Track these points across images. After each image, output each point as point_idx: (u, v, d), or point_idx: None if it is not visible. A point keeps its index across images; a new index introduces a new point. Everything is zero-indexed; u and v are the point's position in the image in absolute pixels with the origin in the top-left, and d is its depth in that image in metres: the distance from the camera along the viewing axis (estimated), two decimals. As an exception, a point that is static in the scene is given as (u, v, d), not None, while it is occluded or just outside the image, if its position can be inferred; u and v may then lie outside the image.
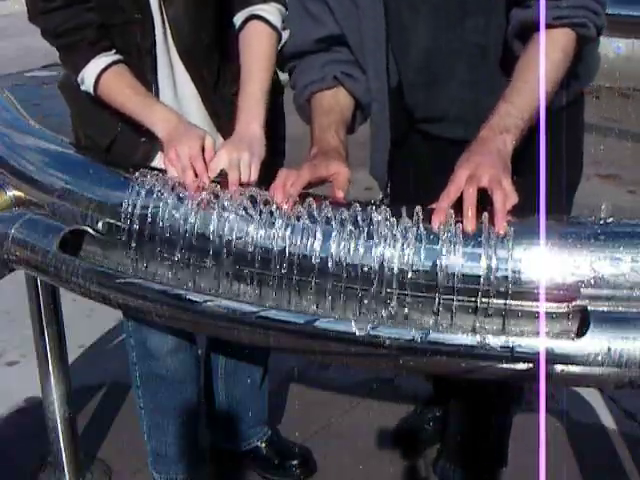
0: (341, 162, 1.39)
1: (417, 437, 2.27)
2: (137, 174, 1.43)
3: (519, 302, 1.17)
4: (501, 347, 1.14)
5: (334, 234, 1.23)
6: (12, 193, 1.61)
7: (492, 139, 1.28)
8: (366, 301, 1.22)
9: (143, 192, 1.40)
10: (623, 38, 4.65)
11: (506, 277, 1.16)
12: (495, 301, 1.17)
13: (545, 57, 1.33)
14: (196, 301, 1.33)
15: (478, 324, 1.18)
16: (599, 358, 1.10)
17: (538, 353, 1.11)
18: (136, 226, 1.39)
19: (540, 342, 1.12)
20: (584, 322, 1.13)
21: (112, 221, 1.44)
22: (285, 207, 1.28)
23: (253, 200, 1.32)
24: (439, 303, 1.19)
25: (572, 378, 1.17)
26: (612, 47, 4.95)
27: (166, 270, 1.39)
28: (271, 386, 2.22)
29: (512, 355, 1.13)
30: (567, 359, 1.12)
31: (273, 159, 1.56)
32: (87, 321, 2.85)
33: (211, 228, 1.32)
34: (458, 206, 1.21)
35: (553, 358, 1.12)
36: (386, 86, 1.56)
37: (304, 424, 2.38)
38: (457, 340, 1.16)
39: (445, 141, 1.60)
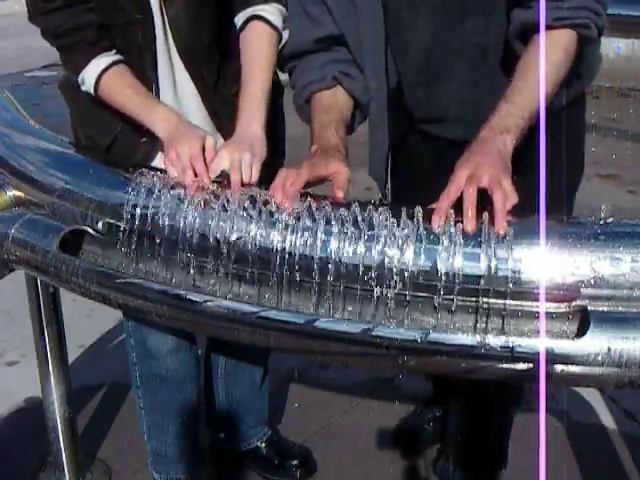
0: (341, 161, 1.38)
1: (417, 437, 2.27)
2: (137, 174, 1.43)
3: (519, 302, 1.17)
4: (501, 347, 1.14)
5: (334, 234, 1.23)
6: (12, 193, 1.61)
7: (492, 139, 1.28)
8: (366, 301, 1.22)
9: (143, 192, 1.40)
10: (623, 38, 4.65)
11: (506, 277, 1.16)
12: (495, 301, 1.17)
13: (546, 58, 1.33)
14: (196, 301, 1.33)
15: (478, 324, 1.18)
16: (599, 358, 1.10)
17: (538, 353, 1.11)
18: (136, 226, 1.39)
19: (540, 342, 1.12)
20: (584, 322, 1.13)
21: (112, 221, 1.44)
22: (285, 206, 1.28)
23: (253, 200, 1.32)
24: (439, 303, 1.19)
25: (572, 378, 1.17)
26: (612, 47, 4.95)
27: (166, 270, 1.39)
28: (271, 386, 2.22)
29: (512, 355, 1.13)
30: (567, 359, 1.12)
31: (273, 159, 1.56)
32: (87, 321, 2.86)
33: (211, 228, 1.32)
34: (458, 206, 1.21)
35: (553, 358, 1.12)
36: (385, 86, 1.56)
37: (304, 424, 2.38)
38: (457, 340, 1.16)
39: (445, 141, 1.60)
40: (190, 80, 1.71)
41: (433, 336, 1.17)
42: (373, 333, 1.18)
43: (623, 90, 5.32)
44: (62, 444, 2.05)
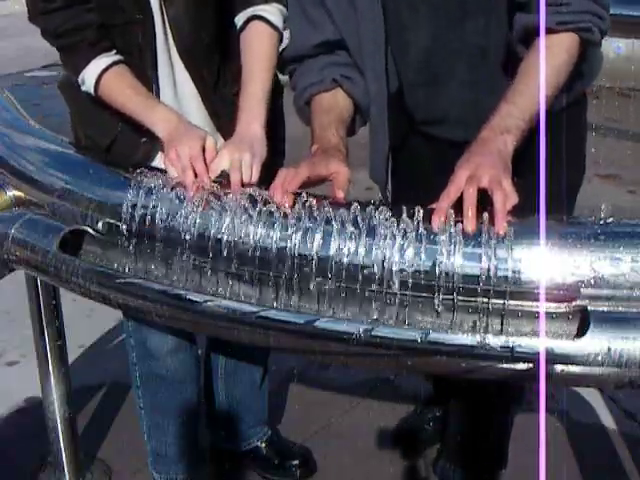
0: (341, 161, 1.38)
1: (417, 437, 2.27)
2: (137, 174, 1.43)
3: (519, 302, 1.17)
4: (501, 347, 1.14)
5: (334, 234, 1.23)
6: (12, 193, 1.61)
7: (493, 140, 1.28)
8: (366, 301, 1.22)
9: (143, 192, 1.40)
10: (623, 38, 4.64)
11: (506, 277, 1.16)
12: (495, 301, 1.17)
13: (548, 61, 1.32)
14: (196, 301, 1.33)
15: (478, 324, 1.18)
16: (599, 358, 1.10)
17: (538, 353, 1.11)
18: (136, 226, 1.39)
19: (540, 342, 1.12)
20: (584, 322, 1.13)
21: (112, 221, 1.44)
22: (284, 205, 1.28)
23: (253, 200, 1.32)
24: (439, 303, 1.19)
25: (572, 378, 1.17)
26: (612, 47, 4.95)
27: (166, 270, 1.39)
28: (271, 386, 2.22)
29: (512, 355, 1.13)
30: (567, 359, 1.12)
31: (273, 159, 1.56)
32: (87, 321, 2.86)
33: (211, 228, 1.33)
34: (458, 206, 1.21)
35: (553, 358, 1.12)
36: (385, 89, 1.56)
37: (304, 424, 2.38)
38: (457, 340, 1.16)
39: (445, 142, 1.60)
40: (190, 80, 1.71)
41: (433, 336, 1.17)
42: (373, 333, 1.18)
43: (623, 90, 5.32)
44: (62, 444, 2.05)
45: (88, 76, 1.61)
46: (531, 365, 1.13)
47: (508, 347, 1.13)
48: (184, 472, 2.05)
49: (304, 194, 1.31)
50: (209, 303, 1.31)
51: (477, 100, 1.53)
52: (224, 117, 1.70)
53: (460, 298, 1.18)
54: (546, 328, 1.15)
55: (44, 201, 1.55)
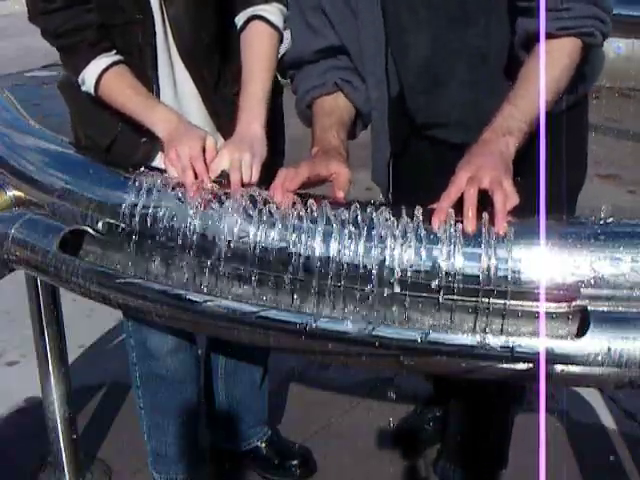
0: (341, 162, 1.39)
1: (417, 437, 2.27)
2: (137, 174, 1.43)
3: (519, 302, 1.17)
4: (501, 347, 1.14)
5: (334, 234, 1.23)
6: (12, 193, 1.61)
7: (494, 141, 1.28)
8: (366, 301, 1.22)
9: (143, 192, 1.40)
10: (623, 38, 4.65)
11: (506, 277, 1.16)
12: (495, 301, 1.17)
13: (549, 65, 1.33)
14: (196, 301, 1.33)
15: (478, 324, 1.18)
16: (599, 358, 1.10)
17: (538, 353, 1.11)
18: (136, 226, 1.39)
19: (540, 342, 1.12)
20: (584, 322, 1.13)
21: (112, 221, 1.44)
22: (284, 205, 1.28)
23: (253, 200, 1.32)
24: (439, 303, 1.19)
25: (572, 378, 1.17)
26: (612, 47, 4.95)
27: (166, 270, 1.39)
28: (271, 386, 2.22)
29: (512, 355, 1.13)
30: (567, 359, 1.12)
31: (273, 159, 1.56)
32: (87, 321, 2.86)
33: (211, 228, 1.32)
34: (458, 206, 1.21)
35: (553, 358, 1.12)
36: (386, 94, 1.56)
37: (304, 424, 2.38)
38: (457, 340, 1.16)
39: (446, 145, 1.60)
40: (190, 80, 1.71)
41: (433, 336, 1.17)
42: (373, 333, 1.18)
43: (623, 90, 5.32)
44: (62, 444, 2.06)
45: (88, 76, 1.61)
46: (531, 365, 1.13)
47: (508, 347, 1.13)
48: (184, 472, 2.05)
49: (304, 194, 1.31)
50: (209, 303, 1.31)
51: (477, 102, 1.52)
52: (224, 117, 1.70)
53: (460, 298, 1.18)
54: (546, 328, 1.14)
55: (44, 201, 1.55)
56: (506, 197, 1.19)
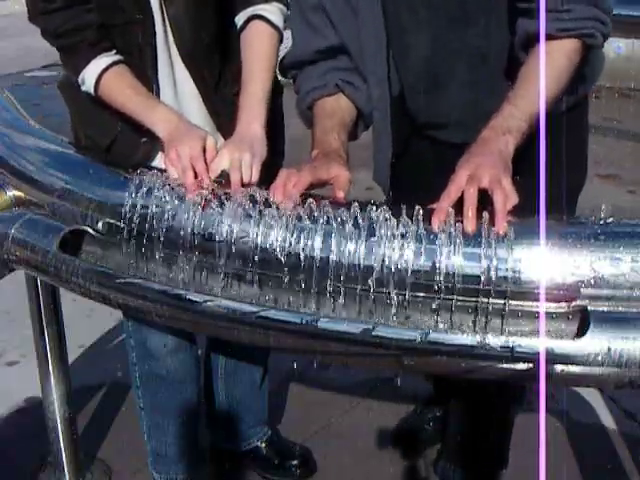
0: (342, 165, 1.39)
1: (417, 437, 2.27)
2: (137, 174, 1.43)
3: (519, 302, 1.17)
4: (501, 347, 1.14)
5: (334, 234, 1.23)
6: (12, 193, 1.61)
7: (494, 140, 1.29)
8: (366, 301, 1.22)
9: (143, 192, 1.40)
10: (623, 38, 4.64)
11: (506, 277, 1.16)
12: (495, 301, 1.17)
13: (550, 65, 1.33)
14: (196, 301, 1.33)
15: (478, 324, 1.18)
16: (599, 358, 1.10)
17: (538, 353, 1.11)
18: (136, 226, 1.39)
19: (540, 342, 1.12)
20: (584, 322, 1.13)
21: (112, 221, 1.44)
22: (286, 207, 1.28)
23: (253, 200, 1.32)
24: (439, 303, 1.19)
25: (572, 378, 1.17)
26: (612, 47, 4.94)
27: (166, 270, 1.39)
28: (271, 386, 2.22)
29: (512, 355, 1.13)
30: (567, 359, 1.12)
31: (273, 159, 1.56)
32: (87, 321, 2.86)
33: (211, 228, 1.32)
34: (458, 206, 1.21)
35: (553, 358, 1.12)
36: (387, 94, 1.56)
37: (304, 424, 2.38)
38: (457, 340, 1.16)
39: (447, 145, 1.60)
40: (190, 80, 1.71)
41: (433, 336, 1.17)
42: (373, 333, 1.18)
43: (623, 90, 5.32)
44: (62, 444, 2.06)
45: (88, 76, 1.61)
46: (531, 365, 1.13)
47: (508, 347, 1.13)
48: (184, 472, 2.05)
49: (304, 194, 1.31)
50: (209, 303, 1.31)
51: (477, 102, 1.52)
52: (224, 117, 1.70)
53: (460, 298, 1.18)
54: (546, 328, 1.15)
55: (44, 201, 1.55)
56: (506, 197, 1.19)
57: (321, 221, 1.24)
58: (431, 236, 1.19)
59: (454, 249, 1.17)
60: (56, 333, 1.96)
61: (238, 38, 1.67)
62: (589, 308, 1.14)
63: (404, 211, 1.22)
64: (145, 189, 1.40)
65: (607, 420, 2.37)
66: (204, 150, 1.46)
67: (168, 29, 1.65)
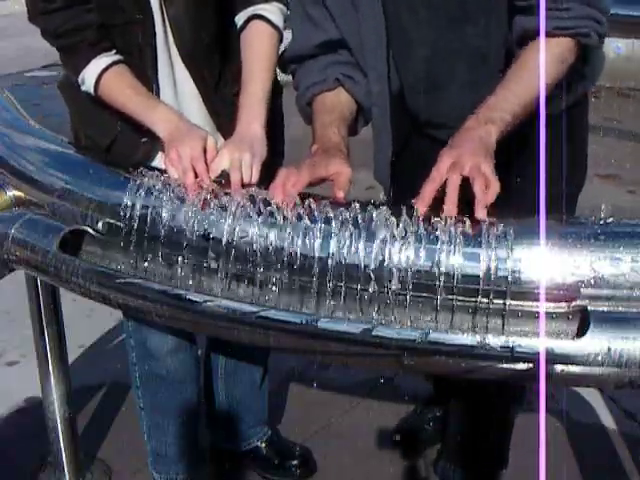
0: (342, 160, 1.38)
1: (417, 437, 2.27)
2: (137, 174, 1.43)
3: (519, 302, 1.17)
4: (501, 347, 1.14)
5: (334, 234, 1.23)
6: (12, 193, 1.61)
7: (476, 128, 1.30)
8: (366, 301, 1.22)
9: (143, 192, 1.40)
10: (623, 38, 4.64)
11: (506, 277, 1.16)
12: (495, 301, 1.17)
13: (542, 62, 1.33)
14: (196, 301, 1.33)
15: (478, 324, 1.18)
16: (599, 358, 1.10)
17: (538, 353, 1.11)
18: (136, 226, 1.39)
19: (540, 342, 1.12)
20: (584, 322, 1.13)
21: (112, 221, 1.44)
22: (285, 207, 1.28)
23: (253, 200, 1.32)
24: (439, 303, 1.19)
25: (572, 378, 1.17)
26: (612, 47, 4.94)
27: (166, 270, 1.39)
28: (271, 386, 2.22)
29: (512, 355, 1.13)
30: (567, 359, 1.12)
31: (272, 159, 1.56)
32: (87, 321, 2.86)
33: (211, 228, 1.32)
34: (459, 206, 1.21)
35: (553, 358, 1.12)
36: (387, 90, 1.56)
37: (304, 424, 2.38)
38: (457, 340, 1.16)
39: (446, 144, 1.59)
40: (190, 80, 1.71)
41: (433, 336, 1.17)
42: (373, 333, 1.18)
43: (623, 90, 5.31)
44: (62, 444, 2.05)
45: (88, 76, 1.61)
46: (531, 365, 1.13)
47: (508, 347, 1.13)
48: (184, 472, 2.05)
49: (304, 194, 1.31)
50: (209, 303, 1.31)
51: (477, 102, 1.52)
52: (224, 117, 1.70)
53: (460, 298, 1.18)
54: (546, 328, 1.15)
55: (44, 201, 1.55)
56: (489, 183, 1.20)
57: (321, 221, 1.24)
58: (431, 236, 1.19)
59: (454, 249, 1.17)
60: (56, 333, 1.95)
61: (238, 38, 1.67)
62: (589, 308, 1.14)
63: (404, 211, 1.22)
64: (145, 189, 1.40)
65: (607, 420, 2.37)
66: (205, 150, 1.46)
67: (168, 29, 1.65)
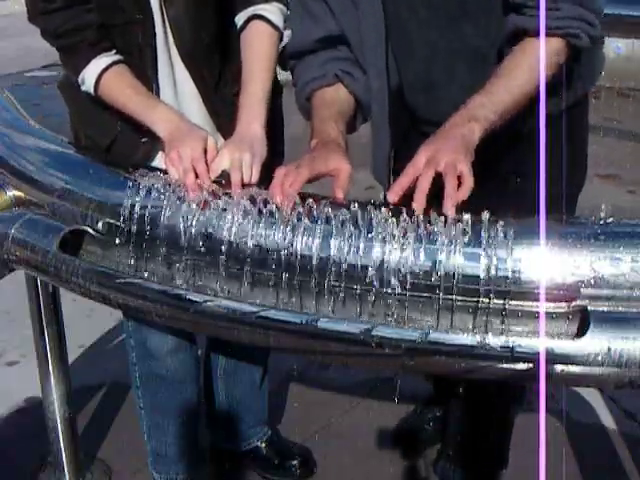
0: (341, 155, 1.38)
1: (417, 437, 2.27)
2: (137, 174, 1.43)
3: (519, 302, 1.17)
4: (501, 347, 1.14)
5: (334, 234, 1.23)
6: (12, 193, 1.61)
7: (459, 125, 1.30)
8: (366, 301, 1.22)
9: (143, 192, 1.40)
10: (623, 38, 4.64)
11: (506, 277, 1.16)
12: (495, 301, 1.17)
13: (528, 63, 1.35)
14: (196, 301, 1.33)
15: (478, 324, 1.18)
16: (599, 358, 1.10)
17: (538, 353, 1.11)
18: (136, 226, 1.39)
19: (540, 342, 1.12)
20: (584, 322, 1.13)
21: (112, 221, 1.44)
22: (284, 207, 1.28)
23: (253, 200, 1.32)
24: (439, 303, 1.19)
25: (572, 378, 1.17)
26: (612, 47, 4.94)
27: (166, 270, 1.39)
28: (271, 386, 2.22)
29: (512, 355, 1.13)
30: (567, 359, 1.12)
31: (272, 159, 1.56)
32: (87, 321, 2.86)
33: (211, 229, 1.33)
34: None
35: (553, 358, 1.11)
36: (386, 86, 1.56)
37: (304, 424, 2.38)
38: (457, 340, 1.16)
39: None
40: (190, 80, 1.71)
41: (433, 336, 1.17)
42: (373, 333, 1.18)
43: (623, 90, 5.31)
44: (62, 444, 2.06)
45: (88, 76, 1.61)
46: (531, 365, 1.13)
47: (508, 347, 1.13)
48: (184, 472, 2.05)
49: (304, 194, 1.31)
50: (209, 303, 1.31)
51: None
52: (224, 117, 1.70)
53: (460, 298, 1.18)
54: (546, 328, 1.15)
55: (44, 201, 1.55)
56: (463, 180, 1.20)
57: (321, 221, 1.24)
58: (431, 236, 1.19)
59: (454, 249, 1.17)
60: (56, 333, 1.96)
61: (238, 38, 1.67)
62: (589, 308, 1.14)
63: (404, 211, 1.22)
64: (145, 189, 1.40)
65: (607, 420, 2.37)
66: (205, 151, 1.46)
67: (168, 29, 1.65)
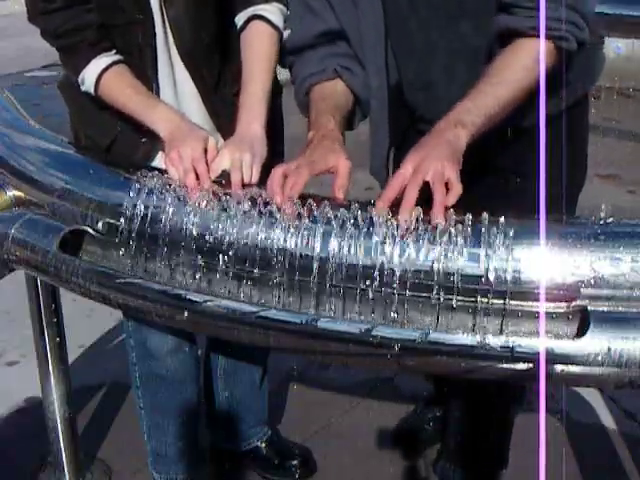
0: (339, 149, 1.38)
1: (417, 437, 2.27)
2: (137, 174, 1.43)
3: (519, 302, 1.17)
4: (501, 347, 1.14)
5: (334, 234, 1.23)
6: (12, 193, 1.61)
7: (445, 131, 1.29)
8: (366, 301, 1.22)
9: (143, 192, 1.40)
10: (623, 38, 4.64)
11: (506, 277, 1.16)
12: (495, 301, 1.17)
13: (513, 63, 1.35)
14: (196, 301, 1.33)
15: (478, 324, 1.18)
16: (599, 358, 1.10)
17: (538, 353, 1.11)
18: (136, 226, 1.39)
19: (540, 342, 1.12)
20: (584, 322, 1.13)
21: (112, 221, 1.44)
22: (285, 208, 1.28)
23: (253, 200, 1.32)
24: (439, 303, 1.19)
25: (572, 378, 1.17)
26: (612, 47, 4.94)
27: (166, 270, 1.39)
28: (271, 386, 2.22)
29: (512, 355, 1.13)
30: (567, 359, 1.12)
31: (272, 159, 1.56)
32: (87, 321, 2.86)
33: (211, 229, 1.33)
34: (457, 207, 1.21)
35: (553, 358, 1.11)
36: (385, 83, 1.56)
37: (304, 424, 2.38)
38: (457, 340, 1.16)
39: None
40: (190, 80, 1.71)
41: (433, 336, 1.17)
42: (373, 333, 1.18)
43: (623, 90, 5.31)
44: (62, 444, 2.06)
45: (88, 76, 1.61)
46: (531, 365, 1.13)
47: (508, 347, 1.13)
48: (184, 472, 2.05)
49: (304, 194, 1.31)
50: (209, 303, 1.31)
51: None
52: (224, 117, 1.70)
53: (460, 298, 1.18)
54: (546, 328, 1.15)
55: (44, 201, 1.55)
56: (451, 186, 1.20)
57: (321, 221, 1.24)
58: (431, 236, 1.19)
59: (454, 249, 1.17)
60: (56, 333, 1.95)
61: (238, 38, 1.67)
62: (589, 308, 1.14)
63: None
64: (145, 189, 1.40)
65: (607, 420, 2.37)
66: (205, 151, 1.46)
67: (168, 29, 1.65)
